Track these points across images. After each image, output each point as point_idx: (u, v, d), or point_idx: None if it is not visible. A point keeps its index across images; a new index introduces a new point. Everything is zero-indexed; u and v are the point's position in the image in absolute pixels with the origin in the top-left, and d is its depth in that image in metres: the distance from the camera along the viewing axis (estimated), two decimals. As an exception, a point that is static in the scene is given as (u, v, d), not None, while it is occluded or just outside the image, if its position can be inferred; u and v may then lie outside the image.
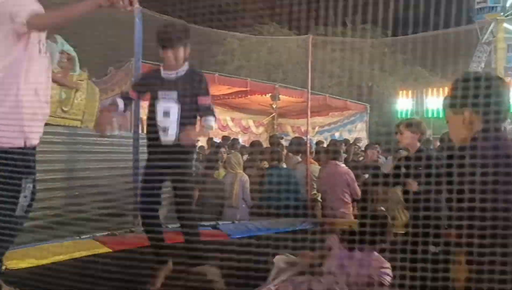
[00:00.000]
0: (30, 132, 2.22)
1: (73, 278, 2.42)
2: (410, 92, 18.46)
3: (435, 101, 16.23)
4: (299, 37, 6.75)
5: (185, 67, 2.92)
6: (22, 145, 2.18)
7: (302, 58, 6.09)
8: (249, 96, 10.99)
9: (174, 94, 2.86)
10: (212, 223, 4.13)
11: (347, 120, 13.78)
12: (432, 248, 3.41)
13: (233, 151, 6.26)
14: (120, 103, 2.94)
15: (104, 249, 2.95)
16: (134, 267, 2.66)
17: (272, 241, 2.44)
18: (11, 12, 2.16)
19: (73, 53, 4.62)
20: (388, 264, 2.38)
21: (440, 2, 1.74)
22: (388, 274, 2.36)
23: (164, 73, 2.92)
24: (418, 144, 3.50)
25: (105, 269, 2.41)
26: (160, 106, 2.86)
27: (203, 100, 2.91)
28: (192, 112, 2.87)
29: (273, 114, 11.87)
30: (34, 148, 2.28)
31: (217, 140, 9.07)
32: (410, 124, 3.57)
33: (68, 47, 4.56)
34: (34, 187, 2.25)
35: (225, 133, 10.84)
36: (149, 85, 2.91)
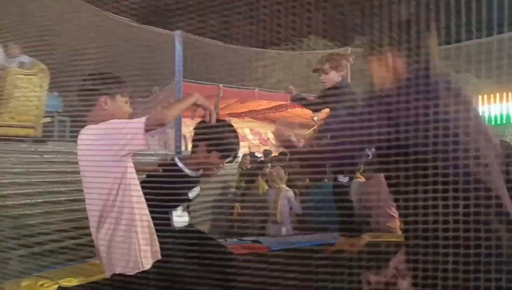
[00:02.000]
0: None
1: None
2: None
3: (487, 108, 15.58)
4: (338, 50, 6.70)
5: None
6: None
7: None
8: (289, 110, 10.99)
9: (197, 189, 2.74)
10: (254, 238, 4.11)
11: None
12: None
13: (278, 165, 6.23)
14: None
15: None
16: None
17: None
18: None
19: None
20: None
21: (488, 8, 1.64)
22: None
23: (189, 169, 2.65)
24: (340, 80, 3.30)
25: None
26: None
27: None
28: None
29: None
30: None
31: (259, 154, 9.10)
32: (335, 62, 3.29)
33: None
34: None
35: (267, 147, 10.86)
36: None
